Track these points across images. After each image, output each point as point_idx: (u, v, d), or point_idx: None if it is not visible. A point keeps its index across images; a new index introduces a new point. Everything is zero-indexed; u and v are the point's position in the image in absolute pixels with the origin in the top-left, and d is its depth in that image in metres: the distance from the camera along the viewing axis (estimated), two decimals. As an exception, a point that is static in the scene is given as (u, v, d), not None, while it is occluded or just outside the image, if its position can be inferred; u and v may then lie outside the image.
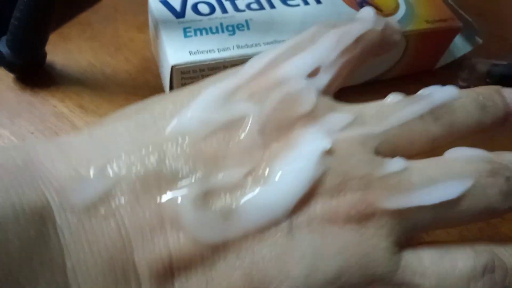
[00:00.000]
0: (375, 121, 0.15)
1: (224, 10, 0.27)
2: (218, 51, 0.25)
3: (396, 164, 0.14)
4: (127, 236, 0.12)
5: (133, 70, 0.30)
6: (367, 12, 0.18)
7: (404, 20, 0.29)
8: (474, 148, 0.15)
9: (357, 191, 0.14)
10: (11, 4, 0.25)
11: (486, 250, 0.15)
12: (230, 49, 0.25)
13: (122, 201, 0.12)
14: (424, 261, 0.14)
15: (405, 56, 0.31)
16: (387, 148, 0.15)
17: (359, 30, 0.17)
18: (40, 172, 0.12)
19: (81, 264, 0.11)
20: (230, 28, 0.26)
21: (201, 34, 0.26)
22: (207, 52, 0.25)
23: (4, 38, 0.26)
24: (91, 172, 0.12)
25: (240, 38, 0.26)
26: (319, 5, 0.29)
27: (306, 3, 0.29)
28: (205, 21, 0.26)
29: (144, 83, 0.29)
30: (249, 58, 0.26)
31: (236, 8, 0.28)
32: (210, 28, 0.26)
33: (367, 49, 0.17)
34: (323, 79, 0.16)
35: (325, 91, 0.16)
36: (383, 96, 0.31)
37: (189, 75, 0.25)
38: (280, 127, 0.14)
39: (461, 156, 0.15)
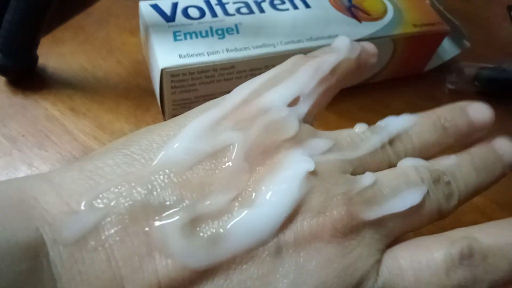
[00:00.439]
0: (349, 148, 0.17)
1: (214, 14, 0.28)
2: (208, 55, 0.25)
3: (367, 178, 0.16)
4: (116, 266, 0.12)
5: (124, 73, 0.30)
6: (342, 41, 0.19)
7: (392, 24, 0.30)
8: (416, 158, 0.17)
9: (341, 206, 0.15)
10: (2, 7, 0.25)
11: (462, 236, 0.15)
12: (219, 52, 0.26)
13: (112, 232, 0.13)
14: (400, 259, 0.15)
15: (393, 60, 0.31)
16: (360, 173, 0.16)
17: (334, 60, 0.18)
18: (33, 207, 0.13)
19: None
20: (219, 32, 0.27)
21: (191, 37, 0.26)
22: (196, 56, 0.25)
23: (-4, 41, 0.26)
24: (82, 206, 0.13)
25: (230, 41, 0.26)
26: (308, 10, 0.30)
27: (295, 7, 0.29)
28: (195, 25, 0.27)
29: (135, 86, 0.30)
30: (238, 61, 0.27)
31: (226, 12, 0.28)
32: (200, 32, 0.26)
33: (343, 77, 0.18)
34: (303, 107, 0.17)
35: (305, 119, 0.17)
36: (373, 98, 0.32)
37: (178, 78, 0.25)
38: (265, 152, 0.15)
39: (411, 165, 0.17)
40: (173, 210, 0.13)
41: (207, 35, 0.26)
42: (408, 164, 0.17)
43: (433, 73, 0.34)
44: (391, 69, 0.32)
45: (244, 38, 0.27)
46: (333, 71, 0.18)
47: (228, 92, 0.17)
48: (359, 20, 0.29)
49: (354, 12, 0.30)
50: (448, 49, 0.34)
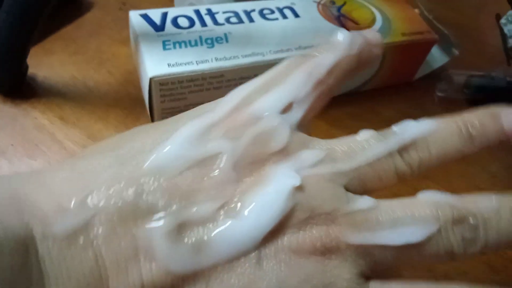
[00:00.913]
0: (345, 158, 0.16)
1: (203, 24, 0.28)
2: (197, 63, 0.26)
3: (364, 202, 0.15)
4: (103, 265, 0.13)
5: (115, 83, 0.30)
6: (341, 36, 0.18)
7: (381, 33, 0.30)
8: (444, 192, 0.15)
9: (323, 225, 0.14)
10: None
11: None
12: (208, 61, 0.26)
13: (100, 231, 0.13)
14: None
15: (382, 68, 0.31)
16: (356, 184, 0.15)
17: (331, 60, 0.17)
18: (24, 204, 0.13)
19: None
20: (209, 41, 0.27)
21: (180, 47, 0.26)
22: (185, 64, 0.25)
23: (-15, 51, 0.26)
24: (72, 204, 0.13)
25: (219, 50, 0.26)
26: (297, 19, 0.30)
27: (285, 17, 0.30)
28: (185, 34, 0.27)
29: (125, 95, 0.30)
30: (228, 70, 0.27)
31: (216, 22, 0.28)
32: (189, 41, 0.27)
33: (342, 76, 0.17)
34: (296, 114, 0.16)
35: (298, 125, 0.16)
36: (363, 106, 0.32)
37: (167, 87, 0.25)
38: (253, 163, 0.15)
39: (430, 200, 0.15)
40: (160, 214, 0.14)
41: (196, 44, 0.26)
42: (427, 198, 0.15)
43: (422, 81, 0.34)
44: (381, 78, 0.32)
45: (234, 47, 0.27)
46: (330, 72, 0.17)
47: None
48: (347, 29, 0.30)
49: (343, 21, 0.30)
50: (437, 57, 0.34)
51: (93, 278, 0.12)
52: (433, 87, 0.34)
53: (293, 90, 0.17)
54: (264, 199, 0.14)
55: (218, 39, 0.27)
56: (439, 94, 0.34)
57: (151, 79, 0.24)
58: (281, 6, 0.30)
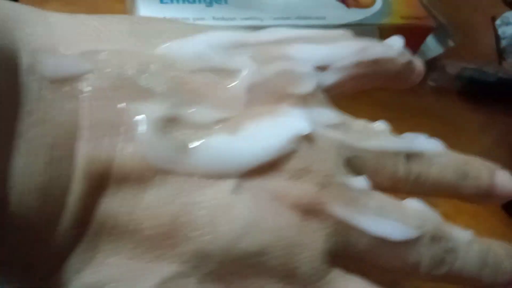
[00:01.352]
0: (358, 136, 0.15)
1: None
2: (193, 20, 0.25)
3: (360, 182, 0.15)
4: (80, 122, 0.12)
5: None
6: (397, 41, 0.18)
7: (380, 14, 0.30)
8: (432, 208, 0.16)
9: (315, 185, 0.14)
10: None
11: None
12: (205, 19, 0.25)
13: (90, 89, 0.12)
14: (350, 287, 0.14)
15: (378, 49, 0.31)
16: (356, 165, 0.15)
17: (381, 53, 0.17)
18: (18, 30, 0.12)
19: (31, 132, 0.11)
20: None
21: (178, 2, 0.26)
22: (182, 20, 0.25)
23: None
24: (70, 52, 0.12)
25: (217, 10, 0.26)
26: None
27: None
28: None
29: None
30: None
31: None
32: (188, -3, 0.26)
33: (381, 75, 0.17)
34: (329, 78, 0.16)
35: (325, 91, 0.16)
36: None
37: (162, 40, 0.25)
38: (269, 95, 0.14)
39: (418, 209, 0.15)
40: (156, 100, 0.13)
41: (194, 1, 0.26)
42: (416, 206, 0.15)
43: (416, 69, 0.34)
44: (376, 60, 0.32)
45: (233, 8, 0.27)
46: (375, 61, 0.17)
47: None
48: (347, 5, 0.30)
49: (346, 0, 0.30)
50: (432, 47, 0.35)
51: (65, 131, 0.11)
52: (426, 76, 0.34)
53: (336, 54, 0.16)
54: (266, 130, 0.13)
55: (218, -2, 0.27)
56: (431, 83, 0.34)
57: (146, 29, 0.24)
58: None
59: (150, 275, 0.12)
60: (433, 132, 0.18)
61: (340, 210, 0.14)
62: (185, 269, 0.12)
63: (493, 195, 0.17)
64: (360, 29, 0.19)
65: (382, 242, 0.14)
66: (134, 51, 0.13)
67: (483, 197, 0.17)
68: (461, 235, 0.16)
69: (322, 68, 0.16)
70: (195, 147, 0.13)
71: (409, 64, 0.18)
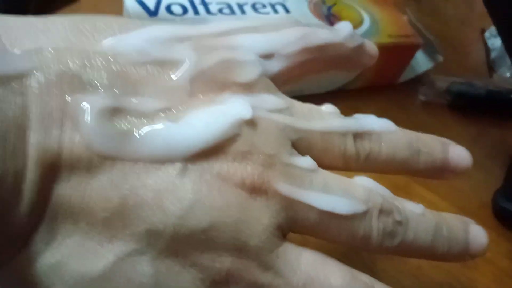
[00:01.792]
0: (302, 118, 0.16)
1: (196, 12, 0.29)
2: None
3: (305, 161, 0.15)
4: (28, 115, 0.12)
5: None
6: (344, 26, 0.18)
7: (368, 34, 0.31)
8: (381, 185, 0.16)
9: (259, 165, 0.14)
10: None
11: (363, 281, 0.15)
12: None
13: (35, 85, 0.13)
14: (301, 259, 0.14)
15: (367, 68, 0.32)
16: (302, 146, 0.16)
17: (327, 38, 0.17)
18: None
19: None
20: (200, 29, 0.28)
21: None
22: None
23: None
24: (16, 50, 0.13)
25: None
26: (288, 15, 0.31)
27: (276, 12, 0.31)
28: (177, 21, 0.28)
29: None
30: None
31: (208, 11, 0.29)
32: (182, 27, 0.27)
33: (330, 59, 0.18)
34: (275, 65, 0.16)
35: (272, 78, 0.16)
36: (347, 105, 0.33)
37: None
38: (212, 84, 0.15)
39: (365, 185, 0.16)
40: (99, 91, 0.13)
41: None
42: (362, 182, 0.16)
43: (406, 84, 0.35)
44: (366, 78, 0.33)
45: None
46: (321, 47, 0.17)
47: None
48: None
49: (332, 20, 0.31)
50: (422, 62, 0.36)
51: (15, 123, 0.12)
52: (416, 90, 0.35)
53: (279, 42, 0.16)
54: (208, 116, 0.14)
55: (210, 27, 0.28)
56: (422, 97, 0.35)
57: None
58: (273, 1, 0.31)
59: (106, 253, 0.13)
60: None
61: (286, 187, 0.14)
62: (138, 247, 0.13)
63: (447, 169, 0.17)
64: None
65: (330, 216, 0.15)
66: (77, 47, 0.14)
67: (437, 171, 0.17)
68: (412, 207, 0.16)
69: (268, 56, 0.16)
70: (139, 134, 0.13)
71: (359, 47, 0.18)
